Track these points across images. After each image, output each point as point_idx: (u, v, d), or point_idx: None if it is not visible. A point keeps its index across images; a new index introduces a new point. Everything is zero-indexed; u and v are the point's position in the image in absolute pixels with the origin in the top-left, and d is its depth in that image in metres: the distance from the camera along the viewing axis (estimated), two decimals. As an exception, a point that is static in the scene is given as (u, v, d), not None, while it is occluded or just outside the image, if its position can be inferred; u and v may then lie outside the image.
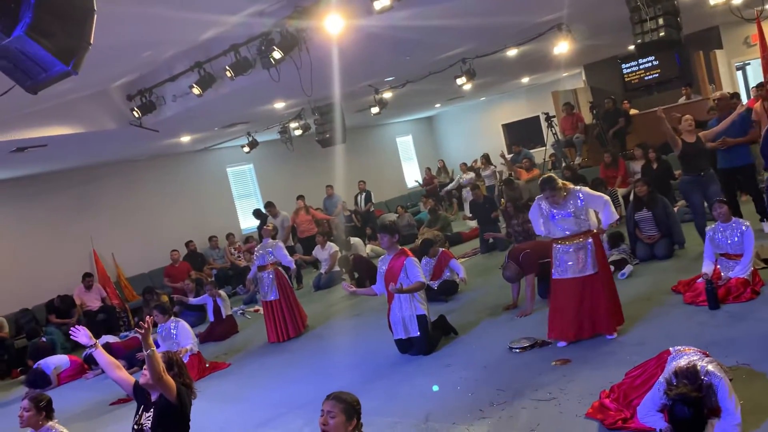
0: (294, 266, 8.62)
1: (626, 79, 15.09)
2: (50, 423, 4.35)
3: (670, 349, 3.95)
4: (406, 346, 6.33)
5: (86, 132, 8.13)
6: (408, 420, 4.75)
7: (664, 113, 7.23)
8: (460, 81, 9.93)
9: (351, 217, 14.92)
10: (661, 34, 6.72)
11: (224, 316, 9.21)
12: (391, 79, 10.21)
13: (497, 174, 14.02)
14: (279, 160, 15.49)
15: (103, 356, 3.76)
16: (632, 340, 5.30)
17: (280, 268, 8.35)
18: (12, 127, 7.45)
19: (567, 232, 5.43)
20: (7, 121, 7.26)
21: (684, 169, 7.58)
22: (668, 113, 7.41)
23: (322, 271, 11.47)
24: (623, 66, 15.04)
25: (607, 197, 5.47)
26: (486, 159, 14.31)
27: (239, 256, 13.25)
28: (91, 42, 2.58)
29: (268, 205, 12.35)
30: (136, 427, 3.53)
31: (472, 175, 14.89)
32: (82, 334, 3.74)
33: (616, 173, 10.99)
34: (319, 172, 15.56)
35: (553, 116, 13.76)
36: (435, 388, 5.22)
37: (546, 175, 5.64)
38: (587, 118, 14.14)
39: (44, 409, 4.32)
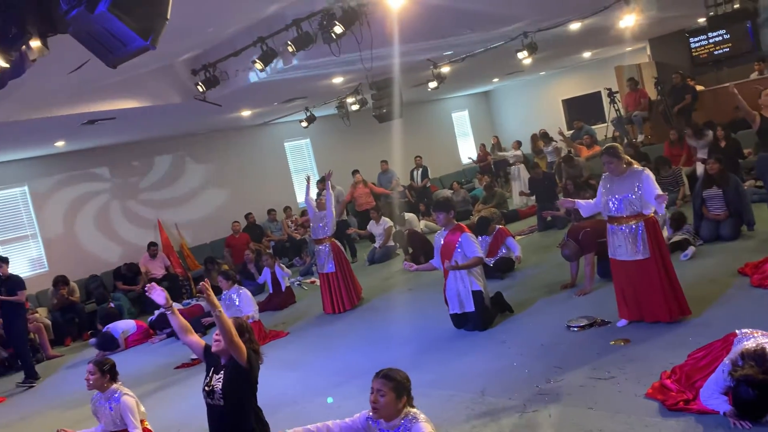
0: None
1: (694, 54, 14.51)
2: (115, 385, 4.57)
3: (737, 331, 3.86)
4: (461, 321, 6.37)
5: (153, 105, 8.37)
6: (464, 393, 4.80)
7: (736, 89, 6.95)
8: (521, 55, 9.76)
9: (405, 192, 14.95)
10: (736, 5, 6.45)
11: (283, 288, 9.44)
12: (450, 53, 10.10)
13: (559, 150, 13.76)
14: (335, 135, 15.61)
15: (176, 319, 3.89)
16: (696, 322, 5.19)
17: (336, 240, 8.47)
18: (83, 100, 7.74)
19: (620, 212, 5.26)
20: (79, 94, 7.56)
21: (763, 145, 7.29)
22: (749, 87, 7.11)
23: (377, 245, 11.58)
24: (691, 40, 14.46)
25: (664, 195, 5.08)
26: (545, 135, 14.05)
27: (296, 229, 13.50)
28: (168, 17, 2.67)
29: (323, 179, 12.47)
30: (207, 388, 3.68)
31: (519, 152, 14.66)
32: (158, 294, 3.84)
33: (680, 152, 10.65)
34: (374, 147, 15.61)
35: (616, 92, 13.38)
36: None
37: (610, 143, 5.49)
38: (651, 94, 13.69)
39: (108, 372, 4.55)
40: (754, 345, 3.51)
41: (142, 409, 4.66)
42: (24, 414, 6.87)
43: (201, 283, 3.63)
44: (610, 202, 5.31)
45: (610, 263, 5.59)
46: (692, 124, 10.46)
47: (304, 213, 13.98)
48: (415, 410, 3.14)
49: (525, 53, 9.67)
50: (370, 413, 3.21)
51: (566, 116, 19.16)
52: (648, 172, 5.22)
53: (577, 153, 11.82)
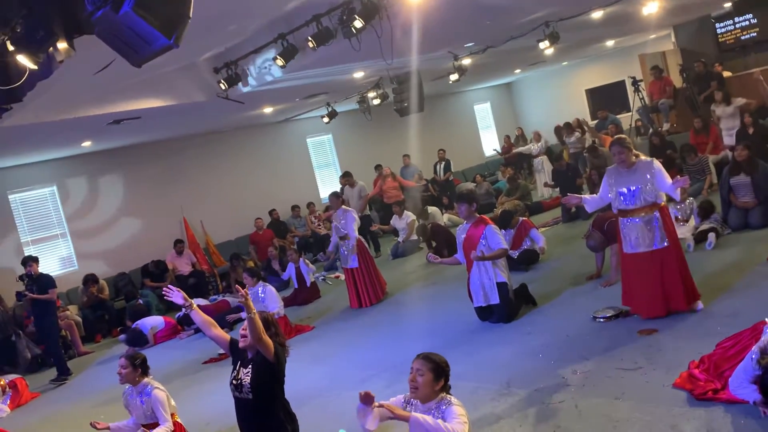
0: (354, 241, 8.33)
1: (720, 40, 14.21)
2: (146, 379, 4.66)
3: (766, 319, 3.81)
4: (485, 313, 6.36)
5: (177, 104, 8.48)
6: (489, 385, 4.80)
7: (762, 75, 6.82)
8: (542, 45, 9.67)
9: (428, 186, 14.93)
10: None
11: (308, 283, 9.51)
12: (470, 45, 10.06)
13: (582, 140, 13.62)
14: (357, 130, 15.64)
15: (199, 316, 3.95)
16: (723, 312, 5.12)
17: (360, 237, 8.47)
18: (109, 100, 7.86)
19: (632, 205, 5.19)
20: (105, 95, 7.68)
21: None
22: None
23: (400, 239, 11.60)
24: (717, 25, 14.16)
25: (683, 180, 4.92)
26: (568, 126, 13.92)
27: (319, 225, 13.58)
28: (191, 16, 2.71)
29: (345, 174, 12.51)
30: (234, 382, 3.73)
31: (540, 144, 14.53)
32: (176, 295, 3.93)
33: (706, 139, 10.48)
34: (396, 141, 15.62)
35: (640, 80, 13.19)
36: None
37: (619, 135, 5.44)
38: (677, 81, 13.47)
39: (140, 367, 4.63)
40: (785, 333, 3.47)
41: (173, 403, 4.74)
42: (57, 409, 7.03)
43: (232, 285, 3.71)
44: (621, 196, 5.25)
45: (621, 259, 5.52)
46: (723, 90, 10.26)
47: (327, 209, 14.04)
48: (450, 396, 3.19)
49: (547, 43, 9.58)
50: (407, 396, 3.27)
51: (590, 106, 18.95)
52: (657, 162, 5.18)
53: (601, 143, 11.68)
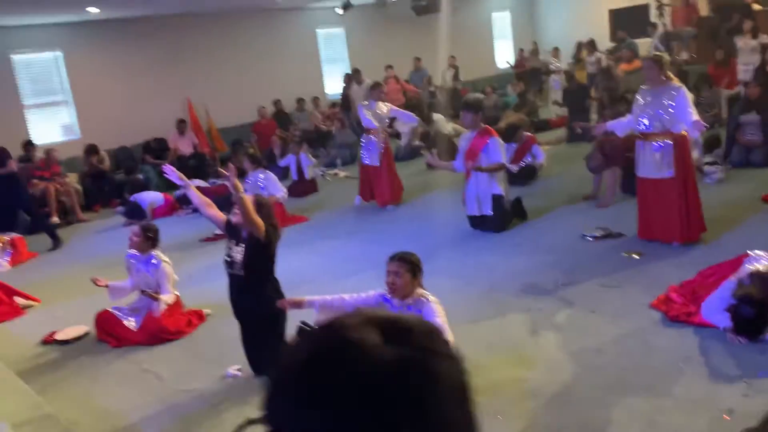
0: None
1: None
2: (154, 251, 4.86)
3: (749, 252, 3.92)
4: (477, 222, 6.48)
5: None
6: (472, 287, 4.99)
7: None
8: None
9: (434, 92, 14.73)
10: None
11: (306, 176, 9.57)
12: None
13: (600, 61, 13.32)
14: (370, 28, 15.19)
15: (196, 195, 4.05)
16: (712, 244, 5.24)
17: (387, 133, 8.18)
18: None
19: (650, 128, 5.17)
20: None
21: None
22: None
23: (402, 143, 11.57)
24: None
25: (701, 123, 4.90)
26: (592, 44, 13.54)
27: (323, 121, 13.49)
28: None
29: (355, 72, 12.35)
30: (228, 258, 3.87)
31: (559, 63, 14.21)
32: (172, 175, 4.01)
33: (725, 73, 10.29)
34: (409, 43, 15.22)
35: (667, 4, 12.75)
36: None
37: (657, 53, 5.33)
38: (703, 10, 13.02)
39: (151, 239, 4.83)
40: (764, 268, 3.58)
41: (175, 276, 4.95)
42: (56, 269, 7.25)
43: (228, 164, 3.74)
44: (643, 118, 5.22)
45: (635, 180, 5.57)
46: (753, 22, 10.01)
47: (333, 105, 13.91)
48: (424, 291, 3.30)
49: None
50: (384, 292, 3.38)
51: (611, 27, 18.37)
52: (685, 90, 5.08)
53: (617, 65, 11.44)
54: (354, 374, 0.67)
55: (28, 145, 10.03)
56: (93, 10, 10.09)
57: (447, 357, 0.73)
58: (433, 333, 0.74)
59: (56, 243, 8.21)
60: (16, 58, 10.77)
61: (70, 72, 11.27)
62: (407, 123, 8.13)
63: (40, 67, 11.13)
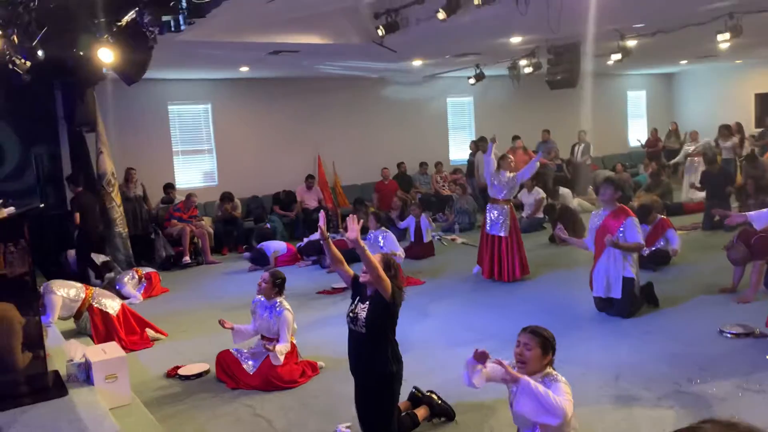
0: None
1: None
2: (279, 298, 5.02)
3: None
4: (603, 304, 6.17)
5: (334, 43, 8.69)
6: (597, 375, 4.70)
7: None
8: (720, 37, 8.91)
9: (562, 166, 14.47)
10: None
11: (425, 239, 9.61)
12: (641, 25, 9.48)
13: (737, 149, 12.59)
14: (499, 98, 15.31)
15: (331, 249, 4.11)
16: None
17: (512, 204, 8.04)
18: (272, 31, 8.21)
19: None
20: (268, 26, 8.02)
21: None
22: None
23: (524, 215, 11.39)
24: None
25: None
26: (728, 129, 12.87)
27: (444, 185, 13.61)
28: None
29: (481, 140, 12.40)
30: (351, 314, 3.89)
31: (701, 143, 13.51)
32: (323, 221, 4.05)
33: None
34: (537, 115, 15.18)
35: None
36: None
37: None
38: None
39: (278, 286, 5.01)
40: None
41: (295, 326, 5.08)
42: (183, 306, 7.65)
43: (349, 216, 3.77)
44: None
45: None
46: None
47: (455, 171, 14.01)
48: (555, 372, 3.14)
49: (726, 35, 8.82)
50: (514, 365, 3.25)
51: (756, 112, 17.39)
52: None
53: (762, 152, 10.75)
54: None
55: (169, 187, 10.87)
56: (244, 68, 10.93)
57: None
58: None
59: (100, 277, 8.50)
60: (172, 108, 11.81)
61: (215, 123, 12.19)
62: (530, 171, 7.98)
63: (190, 117, 12.11)
